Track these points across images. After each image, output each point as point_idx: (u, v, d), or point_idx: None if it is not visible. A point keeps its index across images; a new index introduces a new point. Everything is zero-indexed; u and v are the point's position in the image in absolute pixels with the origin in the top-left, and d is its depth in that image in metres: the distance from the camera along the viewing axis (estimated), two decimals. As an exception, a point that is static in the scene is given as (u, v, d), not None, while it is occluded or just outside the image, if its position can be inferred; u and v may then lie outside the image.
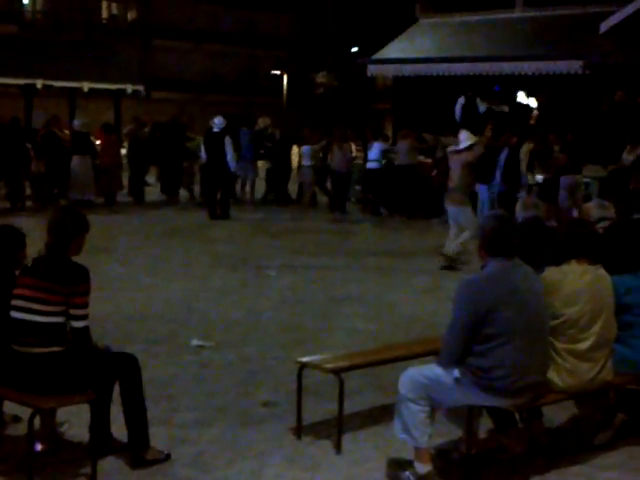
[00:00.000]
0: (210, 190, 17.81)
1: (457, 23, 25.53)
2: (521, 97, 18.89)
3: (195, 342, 7.88)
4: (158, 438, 5.30)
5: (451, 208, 12.20)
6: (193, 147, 19.94)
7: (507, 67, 22.13)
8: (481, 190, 16.81)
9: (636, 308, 5.44)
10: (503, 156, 15.03)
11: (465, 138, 12.21)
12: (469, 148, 12.03)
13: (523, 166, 16.22)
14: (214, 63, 48.15)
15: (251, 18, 49.10)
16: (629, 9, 20.04)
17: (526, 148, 16.76)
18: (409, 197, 18.75)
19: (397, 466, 5.12)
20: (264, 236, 15.42)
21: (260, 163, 21.67)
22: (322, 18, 47.42)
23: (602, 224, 6.55)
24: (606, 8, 21.22)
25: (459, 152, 12.13)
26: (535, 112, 17.60)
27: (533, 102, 18.62)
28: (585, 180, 15.88)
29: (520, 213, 6.80)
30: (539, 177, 16.39)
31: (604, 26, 20.41)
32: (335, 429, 5.49)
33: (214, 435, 5.65)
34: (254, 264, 12.27)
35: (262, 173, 21.61)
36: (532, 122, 18.18)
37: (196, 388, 6.64)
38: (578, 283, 5.10)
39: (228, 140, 17.23)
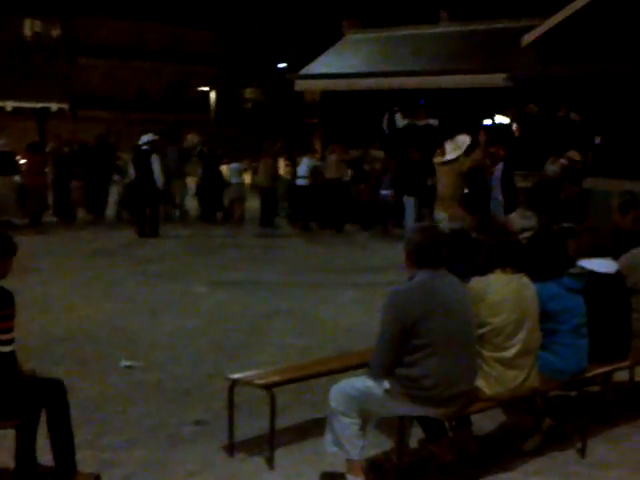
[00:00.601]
0: (139, 208, 17.63)
1: (383, 38, 25.83)
2: (498, 118, 19.10)
3: (124, 363, 7.77)
4: (87, 462, 5.21)
5: (444, 215, 12.29)
6: (121, 165, 19.78)
7: (433, 81, 22.45)
8: (408, 202, 17.01)
9: (560, 315, 5.53)
10: (499, 170, 15.01)
11: (450, 149, 12.44)
12: (456, 159, 12.21)
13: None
14: (140, 80, 47.80)
15: (177, 34, 48.89)
16: (550, 23, 20.50)
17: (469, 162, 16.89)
18: (338, 211, 18.86)
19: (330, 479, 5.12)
20: (194, 253, 15.32)
21: (189, 180, 21.54)
22: (249, 34, 47.49)
23: (525, 234, 6.66)
24: (528, 22, 21.72)
25: (447, 163, 12.32)
26: (515, 125, 17.86)
27: (504, 119, 18.81)
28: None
29: (446, 224, 6.89)
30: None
31: (526, 39, 20.85)
32: (268, 445, 5.47)
33: (144, 456, 5.57)
34: (184, 281, 12.17)
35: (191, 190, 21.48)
36: (517, 134, 18.35)
37: (125, 409, 6.55)
38: (503, 292, 5.18)
39: (155, 157, 17.12)
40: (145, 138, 17.31)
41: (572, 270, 5.65)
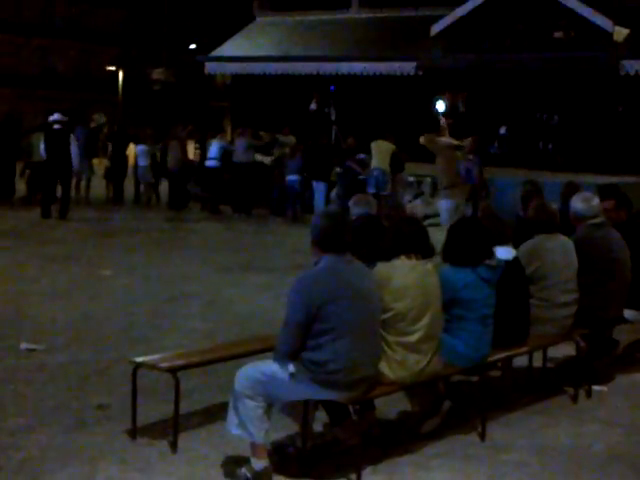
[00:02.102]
0: (50, 189, 17.06)
1: (294, 22, 25.79)
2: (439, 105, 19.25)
3: (25, 345, 7.60)
4: (-16, 446, 5.09)
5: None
6: (24, 145, 19.21)
7: (343, 67, 22.54)
8: (317, 186, 17.10)
9: (471, 303, 5.62)
10: (477, 161, 15.10)
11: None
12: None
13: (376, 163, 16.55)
14: (46, 58, 46.65)
15: (84, 12, 47.84)
16: (458, 13, 20.81)
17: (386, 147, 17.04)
18: (247, 194, 18.80)
19: (234, 463, 5.11)
20: (100, 236, 15.08)
21: (96, 161, 21.17)
22: (158, 14, 46.79)
23: (429, 221, 6.77)
24: (437, 11, 21.97)
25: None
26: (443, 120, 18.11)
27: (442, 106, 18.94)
28: (414, 179, 16.43)
29: (353, 209, 6.93)
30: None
31: (435, 29, 21.11)
32: (171, 429, 5.43)
33: (44, 440, 5.46)
34: (88, 264, 11.97)
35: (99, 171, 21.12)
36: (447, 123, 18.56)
37: (26, 392, 6.41)
38: (407, 278, 5.24)
39: (72, 137, 16.69)
40: (54, 117, 16.85)
41: (489, 261, 5.75)
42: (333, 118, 19.73)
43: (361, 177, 16.67)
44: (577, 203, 7.05)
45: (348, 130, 19.02)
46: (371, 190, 15.63)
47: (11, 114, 20.76)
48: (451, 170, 13.43)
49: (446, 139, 14.13)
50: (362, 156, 17.06)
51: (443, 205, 12.78)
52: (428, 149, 13.95)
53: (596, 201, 7.05)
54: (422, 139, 13.70)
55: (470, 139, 14.61)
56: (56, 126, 16.69)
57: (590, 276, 6.67)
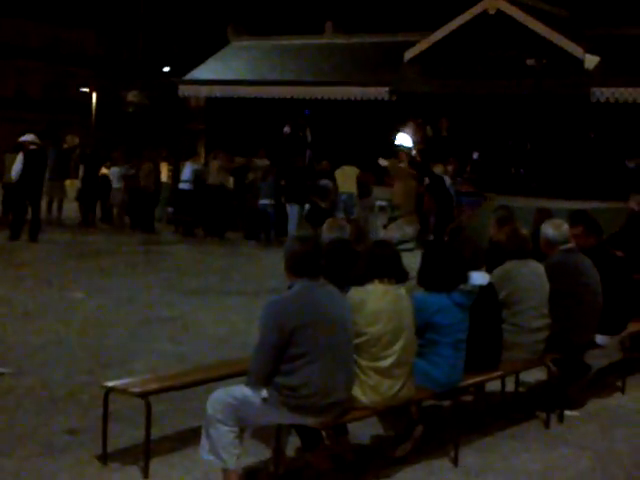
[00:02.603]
0: (21, 210, 16.88)
1: (269, 46, 25.92)
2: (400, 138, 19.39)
3: (-6, 369, 7.53)
4: (-48, 472, 5.02)
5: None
6: None
7: (317, 91, 22.64)
8: (291, 209, 17.10)
9: (444, 328, 5.64)
10: (447, 184, 15.08)
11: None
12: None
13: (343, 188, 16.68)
14: (19, 79, 46.46)
15: (58, 34, 47.75)
16: (431, 39, 21.01)
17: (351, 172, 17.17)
18: (220, 217, 18.77)
19: (206, 489, 5.07)
20: (72, 258, 14.97)
21: (68, 182, 21.04)
22: (133, 36, 46.81)
23: (405, 245, 6.79)
24: (411, 37, 22.18)
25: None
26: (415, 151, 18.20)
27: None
28: (388, 203, 16.52)
29: (325, 234, 6.93)
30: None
31: (408, 54, 21.29)
32: (143, 455, 5.38)
33: (13, 466, 5.39)
34: (60, 287, 11.87)
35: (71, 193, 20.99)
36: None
37: (-5, 417, 6.33)
38: (380, 302, 5.25)
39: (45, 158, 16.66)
40: (25, 138, 16.73)
41: (463, 286, 5.77)
42: (309, 141, 19.78)
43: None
44: (548, 229, 7.12)
45: (322, 154, 19.08)
46: (339, 215, 15.66)
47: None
48: (410, 197, 13.49)
49: (405, 167, 14.25)
50: (325, 182, 17.11)
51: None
52: (390, 172, 14.08)
53: (565, 227, 7.13)
54: (386, 162, 13.78)
55: (451, 166, 14.74)
56: (32, 147, 16.59)
57: (562, 301, 6.72)
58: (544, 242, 7.10)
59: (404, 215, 13.09)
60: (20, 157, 16.58)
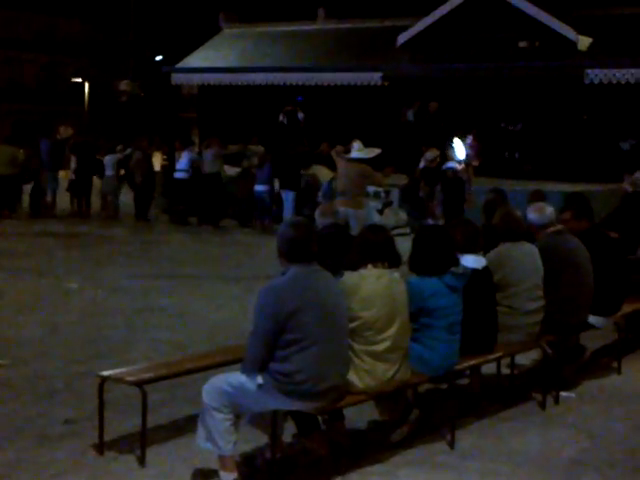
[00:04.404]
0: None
1: (261, 33, 25.83)
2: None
3: (-10, 360, 7.52)
4: (-52, 463, 5.02)
5: (342, 210, 12.24)
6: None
7: (310, 77, 22.58)
8: (286, 196, 17.08)
9: (437, 312, 5.63)
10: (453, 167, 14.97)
11: (356, 148, 12.78)
12: (361, 161, 12.34)
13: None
14: (12, 70, 46.29)
15: (50, 24, 47.54)
16: (423, 24, 20.93)
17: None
18: (215, 206, 18.73)
19: (203, 476, 5.09)
20: (66, 248, 14.94)
21: (62, 173, 20.99)
22: (125, 25, 46.62)
23: (397, 231, 6.78)
24: (403, 22, 22.10)
25: (351, 160, 12.45)
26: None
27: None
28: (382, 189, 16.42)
29: (319, 220, 6.93)
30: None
31: (400, 39, 21.22)
32: (139, 443, 5.38)
33: (10, 456, 5.40)
34: (54, 277, 11.86)
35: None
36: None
37: (-10, 408, 6.33)
38: (374, 286, 5.25)
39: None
40: None
41: (455, 269, 5.76)
42: (302, 126, 19.76)
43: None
44: (530, 213, 7.13)
45: (315, 140, 19.04)
46: (320, 200, 15.59)
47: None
48: (351, 181, 13.19)
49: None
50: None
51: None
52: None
53: (549, 210, 7.11)
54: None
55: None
56: None
57: (554, 283, 6.72)
58: (530, 226, 7.10)
59: (346, 200, 12.78)
60: None
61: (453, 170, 14.56)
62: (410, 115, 19.79)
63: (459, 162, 15.40)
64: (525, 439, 5.94)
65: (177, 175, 19.38)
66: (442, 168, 14.81)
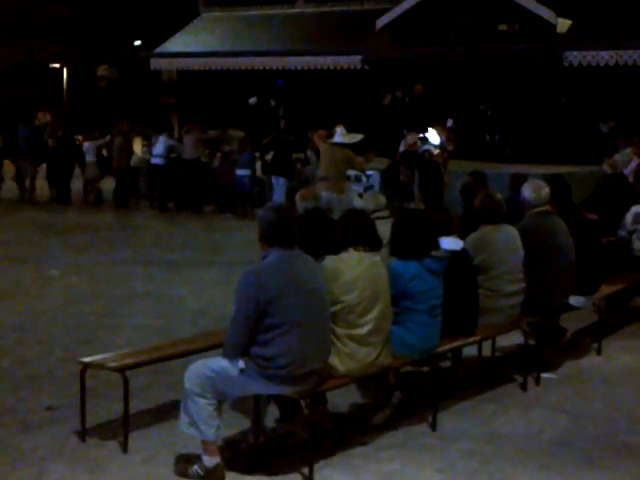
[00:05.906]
0: None
1: (240, 17, 25.69)
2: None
3: (-30, 348, 7.48)
4: None
5: (326, 194, 12.18)
6: None
7: (290, 61, 22.51)
8: (277, 182, 17.05)
9: (418, 295, 5.64)
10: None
11: (340, 133, 12.68)
12: (344, 145, 12.35)
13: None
14: (-12, 55, 45.88)
15: (27, 8, 47.09)
16: (402, 7, 20.89)
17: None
18: (196, 192, 18.67)
19: (186, 461, 5.08)
20: (46, 235, 14.87)
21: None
22: (103, 10, 46.26)
23: (377, 214, 6.78)
24: (382, 5, 22.04)
25: (335, 145, 12.41)
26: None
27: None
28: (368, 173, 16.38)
29: (299, 204, 6.92)
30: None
31: (380, 23, 21.17)
32: (122, 429, 5.37)
33: (-8, 444, 5.39)
34: (34, 264, 11.80)
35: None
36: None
37: (-29, 396, 6.31)
38: (356, 270, 5.25)
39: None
40: None
41: (435, 252, 5.77)
42: (281, 113, 19.70)
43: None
44: (526, 189, 7.10)
45: (296, 124, 19.01)
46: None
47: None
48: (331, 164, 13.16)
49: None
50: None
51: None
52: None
53: (546, 190, 7.10)
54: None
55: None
56: None
57: (534, 264, 6.74)
58: (522, 202, 7.11)
59: (329, 184, 12.73)
60: None
61: (429, 152, 14.57)
62: (388, 99, 19.76)
63: (434, 146, 15.42)
64: (507, 420, 5.98)
65: (154, 161, 19.24)
66: (418, 152, 14.82)
